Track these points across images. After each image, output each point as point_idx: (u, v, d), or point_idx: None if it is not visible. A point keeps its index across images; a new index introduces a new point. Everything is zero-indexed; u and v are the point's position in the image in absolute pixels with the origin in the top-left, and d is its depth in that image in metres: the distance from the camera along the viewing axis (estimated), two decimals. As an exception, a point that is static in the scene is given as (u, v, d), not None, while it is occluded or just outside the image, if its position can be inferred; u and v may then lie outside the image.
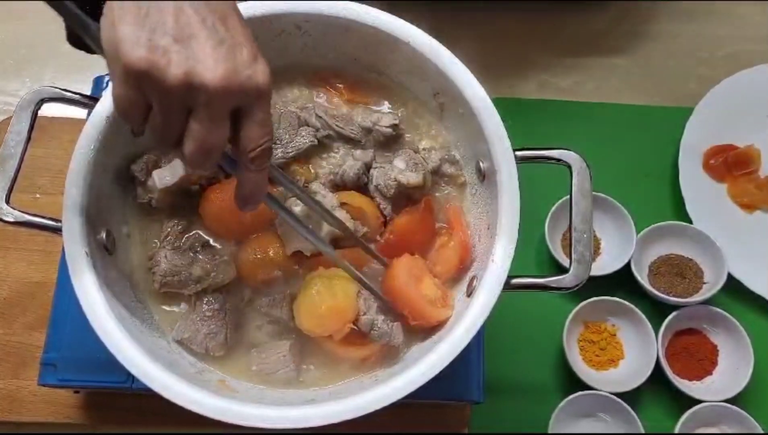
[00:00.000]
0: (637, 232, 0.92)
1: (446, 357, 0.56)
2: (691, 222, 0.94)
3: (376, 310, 0.62)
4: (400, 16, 0.66)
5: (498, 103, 0.63)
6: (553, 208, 0.93)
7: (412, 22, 0.66)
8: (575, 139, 1.01)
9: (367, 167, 0.68)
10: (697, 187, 0.98)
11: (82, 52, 1.04)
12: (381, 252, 0.65)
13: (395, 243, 0.65)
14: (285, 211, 0.60)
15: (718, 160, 1.00)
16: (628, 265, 0.90)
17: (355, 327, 0.62)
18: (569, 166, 0.62)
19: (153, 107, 0.47)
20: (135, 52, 0.44)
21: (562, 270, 0.60)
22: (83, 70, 1.02)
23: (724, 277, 0.89)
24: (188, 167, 0.50)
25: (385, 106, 0.73)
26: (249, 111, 0.48)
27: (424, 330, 0.64)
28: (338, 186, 0.68)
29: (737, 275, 0.91)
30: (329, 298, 0.61)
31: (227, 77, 0.45)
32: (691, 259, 0.94)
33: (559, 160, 0.63)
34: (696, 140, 0.99)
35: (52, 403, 0.80)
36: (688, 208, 0.95)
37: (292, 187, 0.61)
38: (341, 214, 0.64)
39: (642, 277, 0.90)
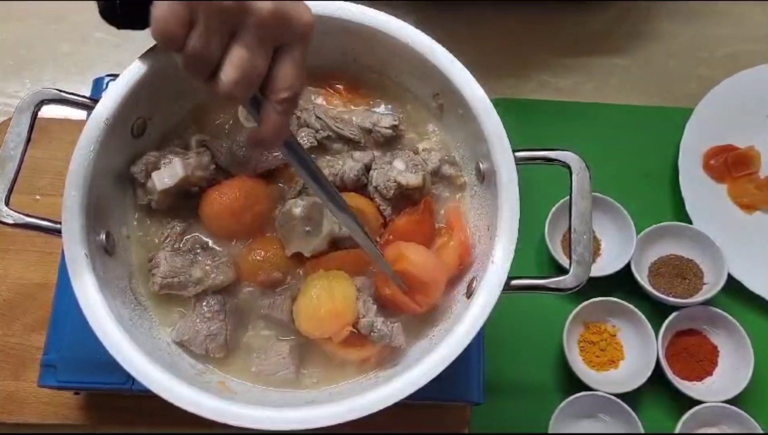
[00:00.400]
0: (637, 232, 0.92)
1: (446, 358, 0.56)
2: (690, 222, 0.94)
3: (375, 313, 0.62)
4: (400, 17, 0.66)
5: (498, 103, 0.63)
6: (554, 209, 0.93)
7: (411, 22, 0.66)
8: (575, 139, 1.00)
9: (367, 168, 0.68)
10: (697, 187, 0.98)
11: (83, 54, 1.04)
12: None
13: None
14: (301, 165, 0.56)
15: (718, 160, 0.99)
16: (628, 266, 0.90)
17: (354, 330, 0.62)
18: (568, 167, 0.62)
19: (195, 28, 0.45)
20: None
21: (563, 271, 0.60)
22: (83, 72, 1.02)
23: (724, 278, 0.89)
24: (223, 98, 0.48)
25: (385, 107, 0.73)
26: (290, 48, 0.48)
27: (424, 322, 0.64)
28: (338, 187, 0.68)
29: (737, 276, 0.91)
30: (328, 301, 0.61)
31: (280, 6, 0.46)
32: (691, 260, 0.94)
33: (558, 160, 0.63)
34: (696, 141, 0.99)
35: (52, 404, 0.80)
36: (688, 208, 0.95)
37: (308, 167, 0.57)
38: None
39: (642, 278, 0.90)
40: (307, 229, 0.64)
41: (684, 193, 0.96)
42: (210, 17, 0.45)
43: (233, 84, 0.46)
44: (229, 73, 0.46)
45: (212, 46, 0.46)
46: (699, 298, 0.89)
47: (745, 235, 0.96)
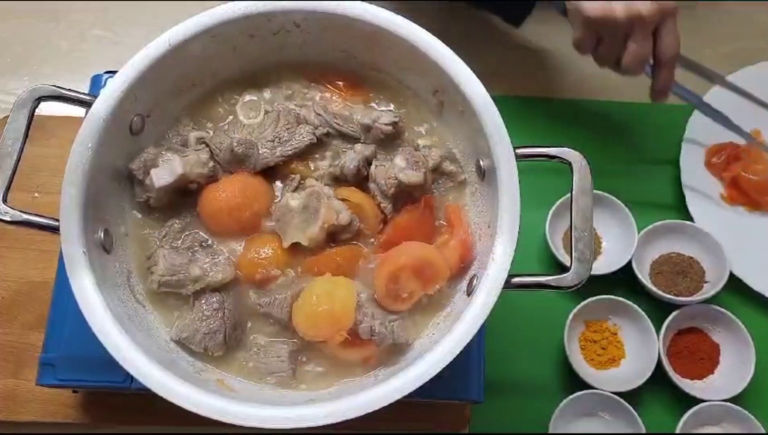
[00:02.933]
0: (639, 230, 0.91)
1: (446, 356, 0.56)
2: (692, 220, 0.94)
3: (372, 317, 0.62)
4: (400, 13, 0.65)
5: (498, 100, 0.63)
6: (555, 207, 0.92)
7: (411, 19, 0.65)
8: (576, 136, 1.01)
9: (368, 161, 0.68)
10: (699, 185, 0.97)
11: (81, 51, 1.04)
12: (381, 251, 0.65)
13: (395, 241, 0.65)
14: (694, 96, 0.88)
15: (721, 157, 0.99)
16: (629, 264, 0.90)
17: (348, 336, 0.61)
18: (569, 164, 0.62)
19: (602, 42, 0.79)
20: (593, 7, 0.76)
21: (564, 269, 0.60)
22: (81, 69, 1.02)
23: (726, 276, 0.89)
24: (625, 74, 0.81)
25: (385, 104, 0.72)
26: (665, 25, 0.77)
27: (424, 318, 0.64)
28: (338, 179, 0.68)
29: (739, 274, 0.91)
30: (326, 303, 0.61)
31: (655, 5, 0.74)
32: (692, 258, 0.93)
33: (559, 157, 0.63)
34: (698, 138, 0.99)
35: (50, 403, 0.80)
36: (690, 206, 0.95)
37: None
38: (337, 205, 0.64)
39: (643, 276, 0.90)
40: (304, 218, 0.63)
41: (686, 191, 0.96)
42: (612, 33, 0.77)
43: (632, 67, 0.79)
44: (628, 61, 0.78)
45: (616, 48, 0.79)
46: (700, 296, 0.89)
47: (747, 233, 0.96)
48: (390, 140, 0.70)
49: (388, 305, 0.63)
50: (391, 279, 0.62)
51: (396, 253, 0.64)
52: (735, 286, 0.91)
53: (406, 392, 0.55)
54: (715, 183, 0.99)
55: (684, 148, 0.98)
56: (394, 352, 0.63)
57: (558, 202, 0.92)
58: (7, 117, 0.61)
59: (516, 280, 0.59)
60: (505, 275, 0.58)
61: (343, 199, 0.66)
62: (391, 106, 0.72)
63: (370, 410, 0.54)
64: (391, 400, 0.55)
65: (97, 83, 0.80)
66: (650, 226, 0.92)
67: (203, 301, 0.63)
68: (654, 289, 0.89)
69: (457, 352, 0.56)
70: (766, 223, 0.98)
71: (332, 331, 0.61)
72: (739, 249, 0.92)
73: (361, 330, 0.61)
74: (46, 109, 0.66)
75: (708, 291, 0.89)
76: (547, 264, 0.94)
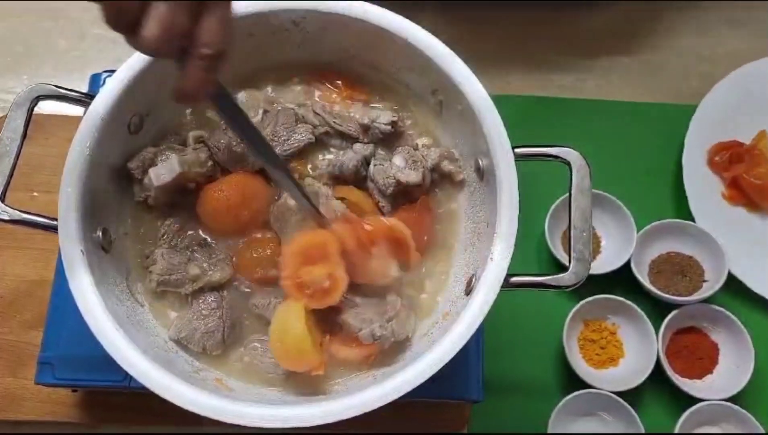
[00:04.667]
0: (638, 230, 0.91)
1: (445, 356, 0.56)
2: (693, 219, 0.94)
3: (369, 322, 0.62)
4: (399, 13, 0.65)
5: (497, 100, 0.63)
6: (554, 206, 0.92)
7: (410, 18, 0.65)
8: (576, 136, 1.00)
9: (367, 161, 0.68)
10: (701, 184, 0.96)
11: (80, 50, 1.04)
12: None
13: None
14: (231, 119, 0.56)
15: (723, 156, 0.97)
16: (628, 264, 0.90)
17: (323, 373, 0.60)
18: (568, 164, 0.62)
19: None
20: None
21: (563, 268, 0.60)
22: (81, 68, 1.02)
23: (725, 276, 0.89)
24: (143, 52, 0.48)
25: (384, 104, 0.72)
26: (214, 5, 0.48)
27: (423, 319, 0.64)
28: (337, 178, 0.68)
29: (738, 274, 0.91)
30: (280, 346, 0.60)
31: None
32: (691, 257, 0.93)
33: (558, 157, 0.63)
34: (700, 137, 0.98)
35: (49, 402, 0.80)
36: (692, 205, 0.94)
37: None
38: (336, 204, 0.64)
39: (642, 276, 0.90)
40: (303, 217, 0.63)
41: (688, 190, 0.95)
42: None
43: (156, 39, 0.46)
44: (151, 28, 0.45)
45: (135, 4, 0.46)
46: (699, 296, 0.89)
47: (748, 233, 0.96)
48: (389, 140, 0.70)
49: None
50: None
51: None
52: (734, 286, 0.91)
53: (404, 392, 0.55)
54: (716, 182, 0.98)
55: (686, 146, 0.97)
56: (393, 350, 0.63)
57: (557, 202, 0.92)
58: (5, 116, 0.61)
59: (514, 279, 0.59)
60: (503, 275, 0.58)
61: (341, 199, 0.66)
62: (390, 106, 0.72)
63: (368, 410, 0.54)
64: (390, 400, 0.54)
65: (96, 82, 0.79)
66: (649, 226, 0.92)
67: (201, 301, 0.63)
68: (653, 288, 0.89)
69: (456, 351, 0.56)
70: (767, 224, 0.97)
71: (301, 369, 0.60)
72: (740, 248, 0.92)
73: (362, 337, 0.61)
74: (45, 108, 0.66)
75: (707, 291, 0.89)
76: (547, 263, 0.94)
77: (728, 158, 0.97)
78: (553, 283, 0.60)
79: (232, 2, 0.50)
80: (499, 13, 1.09)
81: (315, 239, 0.62)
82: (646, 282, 0.89)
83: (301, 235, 0.62)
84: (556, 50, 1.08)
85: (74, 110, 0.65)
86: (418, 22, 0.65)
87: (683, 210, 0.96)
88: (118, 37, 0.48)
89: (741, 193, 0.97)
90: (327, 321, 0.64)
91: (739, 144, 0.98)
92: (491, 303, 0.57)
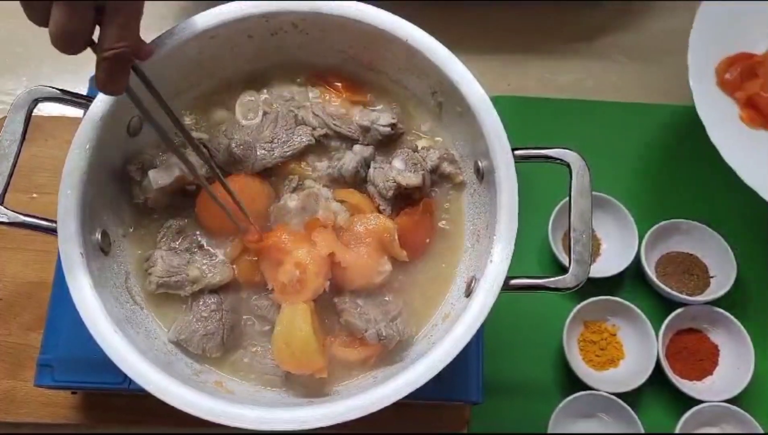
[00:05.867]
0: (639, 231, 0.91)
1: (445, 357, 0.56)
2: (719, 151, 0.79)
3: (374, 322, 0.62)
4: (398, 14, 0.65)
5: (497, 101, 0.63)
6: (557, 208, 0.92)
7: (409, 19, 0.65)
8: (575, 137, 1.00)
9: (367, 162, 0.68)
10: (715, 109, 0.81)
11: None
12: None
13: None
14: (143, 113, 0.57)
15: (734, 73, 0.83)
16: (630, 266, 0.90)
17: (326, 377, 0.60)
18: (568, 165, 0.62)
19: None
20: None
21: (564, 270, 0.59)
22: (80, 70, 1.01)
23: (734, 276, 0.88)
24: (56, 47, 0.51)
25: (383, 105, 0.72)
26: (114, 10, 0.50)
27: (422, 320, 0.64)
28: (337, 180, 0.68)
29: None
30: (286, 348, 0.59)
31: None
32: (691, 255, 0.93)
33: (557, 159, 0.63)
34: (705, 53, 0.82)
35: (49, 404, 0.80)
36: (711, 136, 0.79)
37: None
38: (336, 206, 0.64)
39: (651, 275, 0.89)
40: (302, 219, 0.63)
41: (704, 119, 0.79)
42: None
43: (54, 38, 0.49)
44: (51, 27, 0.49)
45: (36, 5, 0.49)
46: (706, 297, 0.89)
47: None
48: (388, 142, 0.70)
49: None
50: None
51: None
52: (734, 286, 0.91)
53: (404, 394, 0.55)
54: (731, 104, 0.84)
55: (691, 70, 0.82)
56: (393, 352, 0.63)
57: (561, 203, 0.92)
58: (3, 118, 0.61)
59: (514, 281, 0.59)
60: (503, 277, 0.58)
61: (341, 201, 0.66)
62: (390, 108, 0.72)
63: (368, 412, 0.54)
64: (391, 402, 0.54)
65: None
66: (657, 225, 0.91)
67: (201, 303, 0.63)
68: (663, 286, 0.88)
69: (456, 353, 0.56)
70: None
71: (305, 371, 0.60)
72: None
73: (368, 337, 0.61)
74: (45, 109, 0.65)
75: (715, 292, 0.89)
76: (549, 265, 0.94)
77: (739, 75, 0.83)
78: (552, 286, 0.59)
79: (141, 8, 0.52)
80: (498, 15, 1.09)
81: (267, 244, 0.62)
82: (656, 280, 0.89)
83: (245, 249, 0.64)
84: (556, 51, 1.08)
85: (74, 112, 0.65)
86: (417, 24, 0.65)
87: (684, 209, 0.95)
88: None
89: (760, 114, 0.83)
90: (327, 323, 0.64)
91: (749, 56, 0.84)
92: (491, 305, 0.57)
